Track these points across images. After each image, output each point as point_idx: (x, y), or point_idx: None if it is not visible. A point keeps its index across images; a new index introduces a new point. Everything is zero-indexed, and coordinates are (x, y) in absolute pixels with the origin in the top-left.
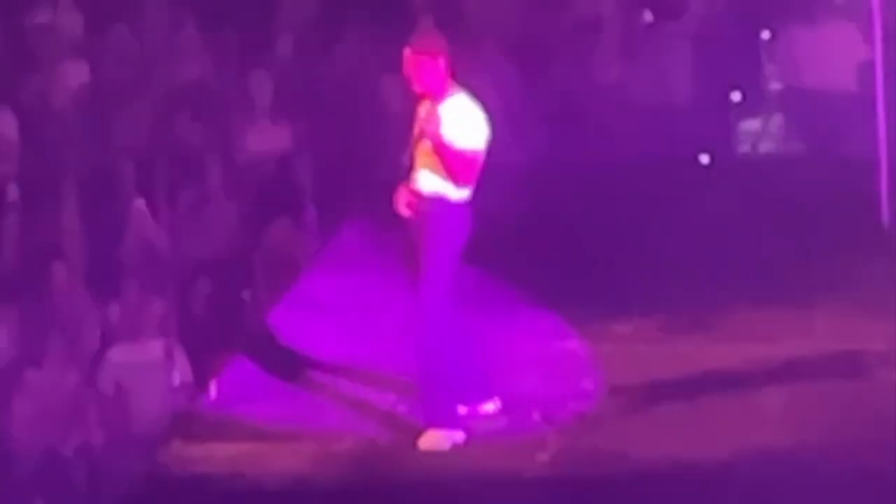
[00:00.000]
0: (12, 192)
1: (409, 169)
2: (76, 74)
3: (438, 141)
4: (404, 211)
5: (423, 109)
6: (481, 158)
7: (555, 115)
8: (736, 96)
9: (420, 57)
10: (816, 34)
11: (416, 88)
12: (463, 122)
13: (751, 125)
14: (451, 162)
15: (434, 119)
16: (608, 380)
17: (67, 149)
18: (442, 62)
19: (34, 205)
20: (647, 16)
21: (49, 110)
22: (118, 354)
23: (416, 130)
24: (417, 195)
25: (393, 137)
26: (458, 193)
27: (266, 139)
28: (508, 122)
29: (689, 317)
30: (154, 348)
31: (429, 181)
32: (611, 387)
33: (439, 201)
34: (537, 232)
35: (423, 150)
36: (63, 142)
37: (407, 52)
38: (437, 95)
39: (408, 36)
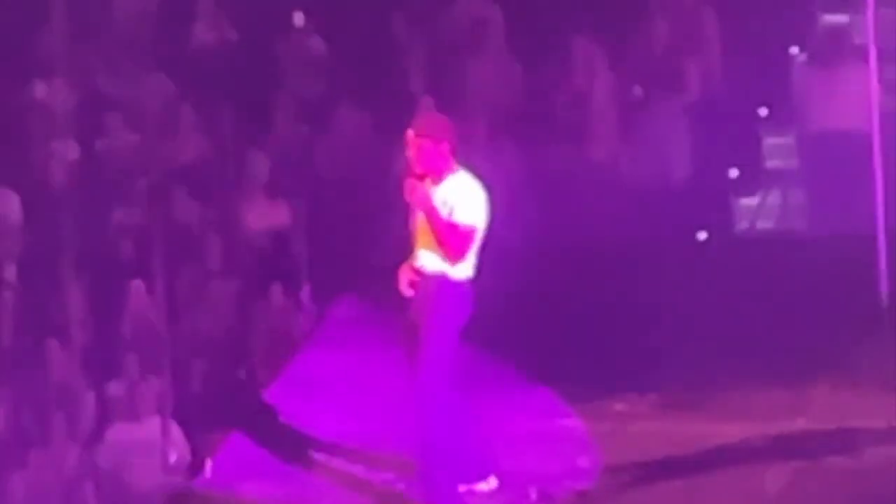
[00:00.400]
0: (9, 270)
1: (411, 248)
2: (73, 153)
3: (431, 214)
4: (407, 290)
5: (410, 184)
6: (475, 234)
7: (551, 193)
8: (733, 173)
9: (422, 140)
10: (813, 111)
11: (418, 169)
12: (462, 199)
13: (748, 202)
14: (444, 236)
15: (422, 192)
16: (605, 458)
17: (66, 228)
18: (444, 145)
19: (32, 283)
20: (641, 92)
21: (48, 190)
22: (115, 432)
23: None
24: (420, 274)
25: (391, 215)
26: (458, 272)
27: (264, 216)
28: (505, 200)
29: (686, 395)
30: (151, 426)
31: (429, 259)
32: (607, 465)
33: (441, 280)
34: (534, 310)
35: (423, 228)
36: (61, 221)
37: (409, 133)
38: (439, 175)
39: (406, 114)
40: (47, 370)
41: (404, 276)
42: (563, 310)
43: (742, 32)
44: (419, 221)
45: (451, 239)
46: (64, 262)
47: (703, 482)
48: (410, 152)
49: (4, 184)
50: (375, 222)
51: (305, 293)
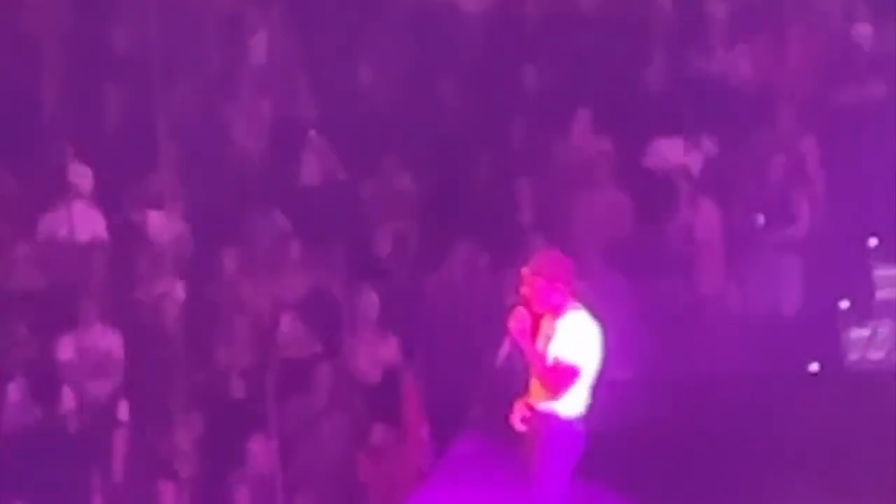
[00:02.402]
0: (123, 410)
1: (523, 384)
2: (181, 292)
3: (527, 349)
4: (519, 426)
5: (514, 317)
6: (580, 373)
7: (662, 326)
8: (844, 304)
9: (536, 277)
10: None
11: (534, 307)
12: (571, 337)
13: (859, 333)
14: (544, 372)
15: (521, 325)
16: None
17: (175, 366)
18: (559, 284)
19: (144, 424)
20: (751, 224)
21: (155, 328)
22: None
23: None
24: (531, 409)
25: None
26: (569, 409)
27: (376, 352)
28: (616, 336)
29: None
30: None
31: (539, 396)
32: None
33: (551, 417)
34: (647, 445)
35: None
36: (169, 360)
37: (525, 272)
38: (556, 313)
39: (517, 250)
40: None
41: (517, 412)
42: (676, 444)
43: (849, 162)
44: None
45: (553, 376)
46: (174, 401)
47: None
48: (524, 289)
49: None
50: (488, 358)
51: (424, 431)
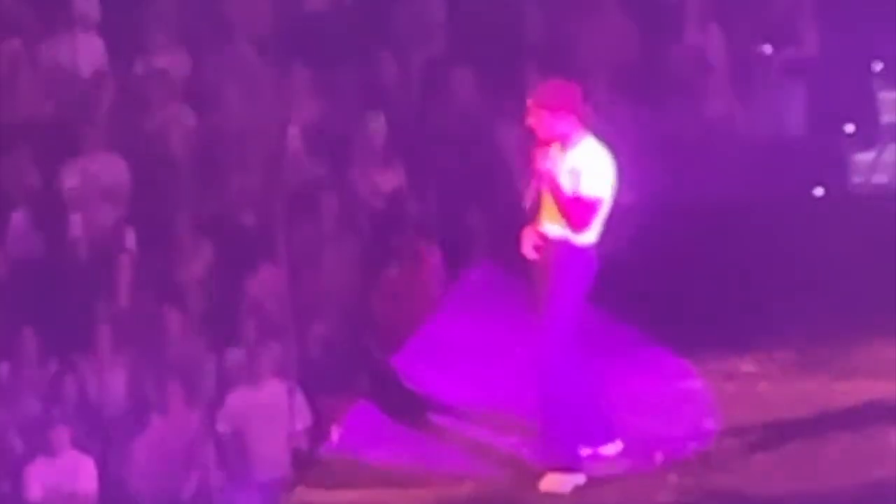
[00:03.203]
0: (129, 237)
1: (534, 211)
2: (188, 119)
3: (553, 186)
4: (530, 253)
5: (539, 154)
6: (601, 205)
7: (667, 152)
8: (849, 128)
9: (540, 109)
10: None
11: (540, 138)
12: (588, 169)
13: (864, 157)
14: (567, 207)
15: (547, 164)
16: (730, 419)
17: (182, 194)
18: (564, 113)
19: (150, 250)
20: (756, 48)
21: (163, 156)
22: (237, 398)
23: (535, 174)
24: (543, 237)
25: (515, 178)
26: (582, 237)
27: (385, 180)
28: (622, 162)
29: (810, 354)
30: (274, 392)
31: (553, 224)
32: (733, 426)
33: (564, 245)
34: (656, 271)
35: (547, 196)
36: (177, 187)
37: (530, 103)
38: (566, 143)
39: (521, 76)
40: (167, 336)
41: (528, 240)
42: (683, 269)
43: None
44: (544, 189)
45: (576, 210)
46: (181, 228)
47: (831, 441)
48: (530, 121)
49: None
50: (497, 186)
51: (436, 257)
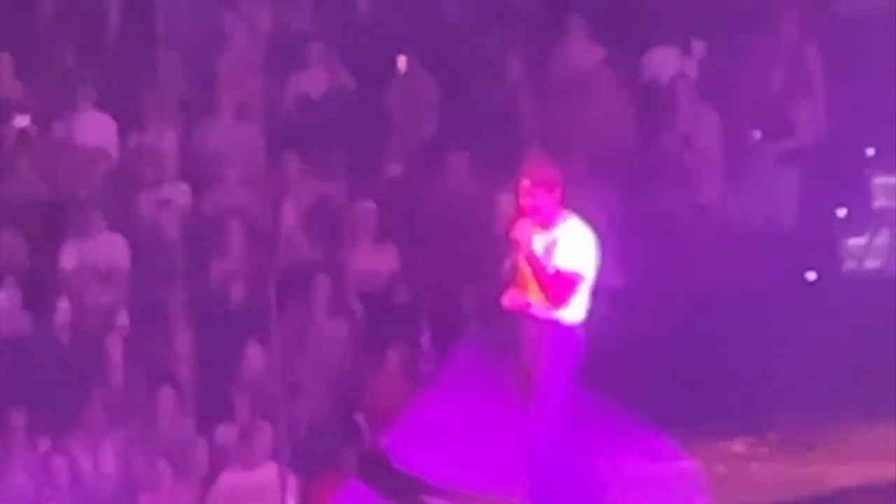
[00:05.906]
0: (122, 317)
1: (511, 276)
2: (184, 200)
3: (530, 257)
4: (507, 305)
5: (517, 225)
6: (580, 281)
7: (660, 236)
8: (841, 213)
9: (537, 188)
10: None
11: (530, 217)
12: (569, 245)
13: (857, 241)
14: (545, 281)
15: (523, 234)
16: (721, 501)
17: (176, 275)
18: (556, 192)
19: (143, 330)
20: (748, 134)
21: (158, 237)
22: (228, 478)
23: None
24: (532, 318)
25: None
26: (570, 316)
27: (376, 261)
28: (614, 245)
29: (801, 436)
30: (265, 472)
31: (535, 297)
32: None
33: (552, 324)
34: (646, 354)
35: (529, 272)
36: (170, 266)
37: (522, 182)
38: (550, 222)
39: (513, 158)
40: (158, 416)
41: (507, 298)
42: (674, 352)
43: (846, 73)
44: (522, 260)
45: (554, 285)
46: (174, 307)
47: None
48: (524, 200)
49: (115, 230)
50: (486, 266)
51: (425, 338)
